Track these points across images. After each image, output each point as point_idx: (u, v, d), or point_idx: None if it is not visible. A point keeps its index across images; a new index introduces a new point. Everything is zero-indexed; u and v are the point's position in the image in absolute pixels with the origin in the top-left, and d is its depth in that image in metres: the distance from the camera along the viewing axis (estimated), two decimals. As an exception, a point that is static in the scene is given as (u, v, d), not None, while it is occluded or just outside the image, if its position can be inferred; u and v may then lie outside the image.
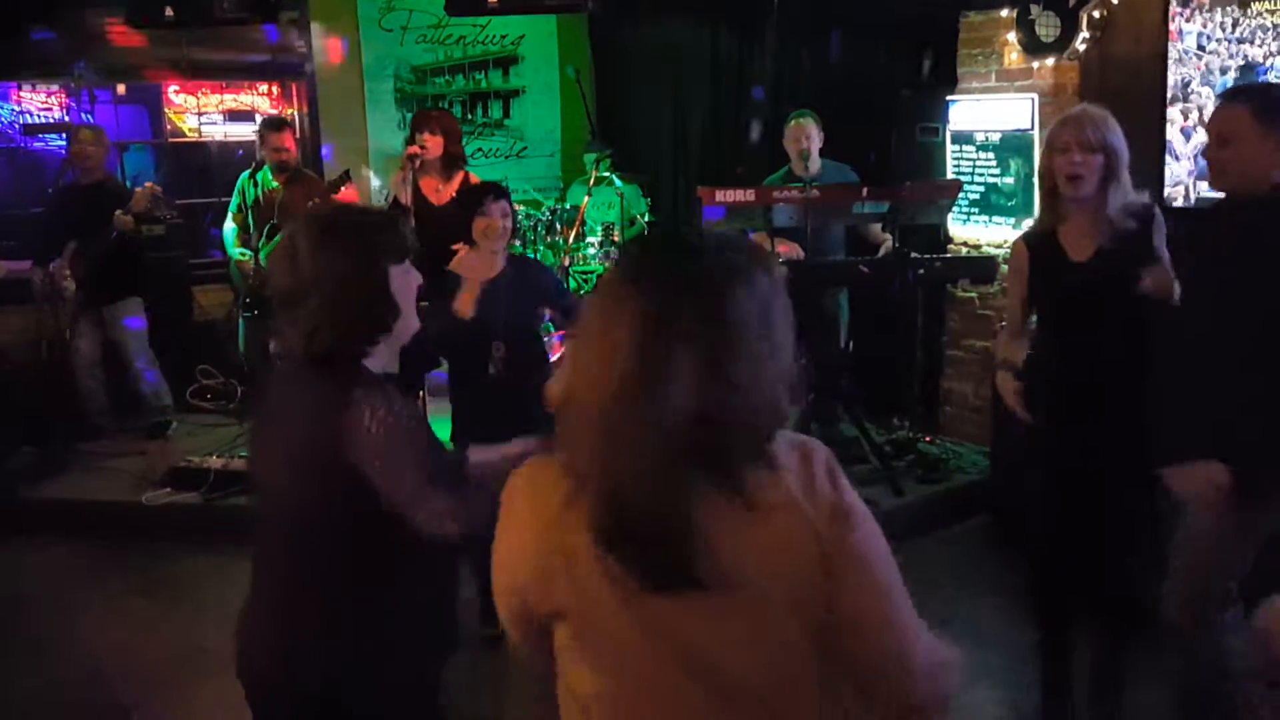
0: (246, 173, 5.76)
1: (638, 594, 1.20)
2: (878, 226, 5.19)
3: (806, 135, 5.11)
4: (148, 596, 4.33)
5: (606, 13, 6.70)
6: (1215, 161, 2.57)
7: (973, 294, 5.38)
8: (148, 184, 5.58)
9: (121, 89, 7.48)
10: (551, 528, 1.24)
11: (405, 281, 1.95)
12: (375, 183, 7.32)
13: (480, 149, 7.60)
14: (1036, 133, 5.00)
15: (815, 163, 5.18)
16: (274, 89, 7.64)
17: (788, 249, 4.98)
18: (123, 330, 5.79)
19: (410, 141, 5.15)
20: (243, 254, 5.64)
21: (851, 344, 5.39)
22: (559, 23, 7.65)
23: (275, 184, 5.66)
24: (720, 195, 4.66)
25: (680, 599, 1.20)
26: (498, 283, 3.62)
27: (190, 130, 7.56)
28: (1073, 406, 2.89)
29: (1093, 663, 3.11)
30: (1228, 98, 2.66)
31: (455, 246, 5.14)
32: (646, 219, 6.66)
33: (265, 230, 5.56)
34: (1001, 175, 5.23)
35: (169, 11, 5.64)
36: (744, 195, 4.70)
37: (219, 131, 7.57)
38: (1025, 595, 3.35)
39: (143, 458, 5.51)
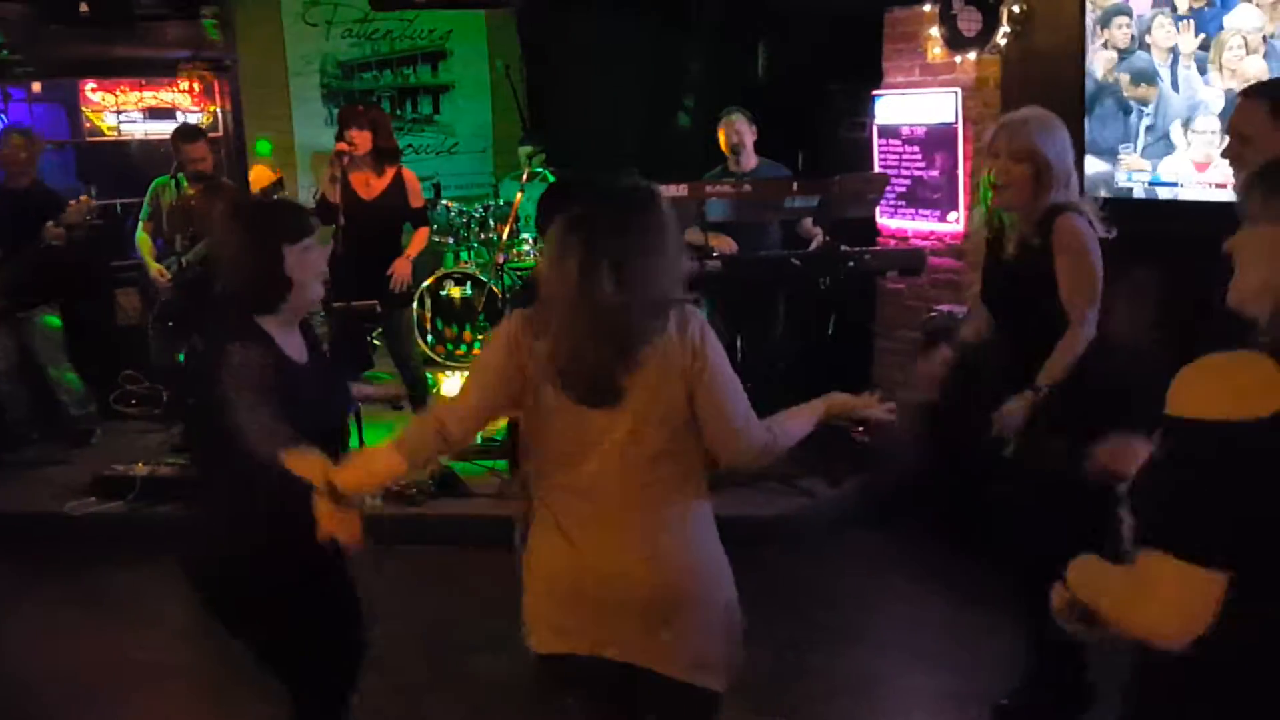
0: (161, 179, 5.59)
1: (566, 401, 2.03)
2: (809, 221, 5.25)
3: (736, 131, 5.14)
4: (73, 608, 4.21)
5: (535, 8, 6.67)
6: (1236, 159, 2.51)
7: (901, 285, 5.47)
8: (83, 197, 5.41)
9: (37, 87, 7.26)
10: (528, 349, 2.05)
11: (303, 259, 2.36)
12: (303, 180, 7.21)
13: (411, 145, 7.53)
14: (960, 126, 5.10)
15: (750, 159, 5.21)
16: (195, 86, 7.46)
17: (723, 244, 5.02)
18: (39, 336, 5.63)
19: (339, 138, 5.08)
20: (160, 270, 5.48)
21: (785, 337, 5.45)
22: (488, 18, 7.61)
23: (192, 191, 5.51)
24: (653, 190, 4.66)
25: (592, 408, 2.02)
26: None
27: (109, 129, 7.36)
28: (996, 403, 2.94)
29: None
30: (1245, 94, 2.62)
31: (391, 270, 5.02)
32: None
33: (188, 238, 5.43)
34: (927, 169, 5.32)
35: (84, 8, 5.48)
36: (677, 190, 4.72)
37: (139, 130, 7.37)
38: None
39: (65, 466, 5.37)
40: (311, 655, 2.46)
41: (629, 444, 2.03)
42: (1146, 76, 4.40)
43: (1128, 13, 4.43)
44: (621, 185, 2.13)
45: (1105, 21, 4.51)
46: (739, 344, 5.17)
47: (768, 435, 2.11)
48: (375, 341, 6.22)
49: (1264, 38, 3.91)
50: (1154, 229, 3.53)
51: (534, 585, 2.16)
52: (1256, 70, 3.96)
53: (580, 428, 2.05)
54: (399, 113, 7.67)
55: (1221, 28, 4.08)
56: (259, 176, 6.46)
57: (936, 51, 5.17)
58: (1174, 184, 4.31)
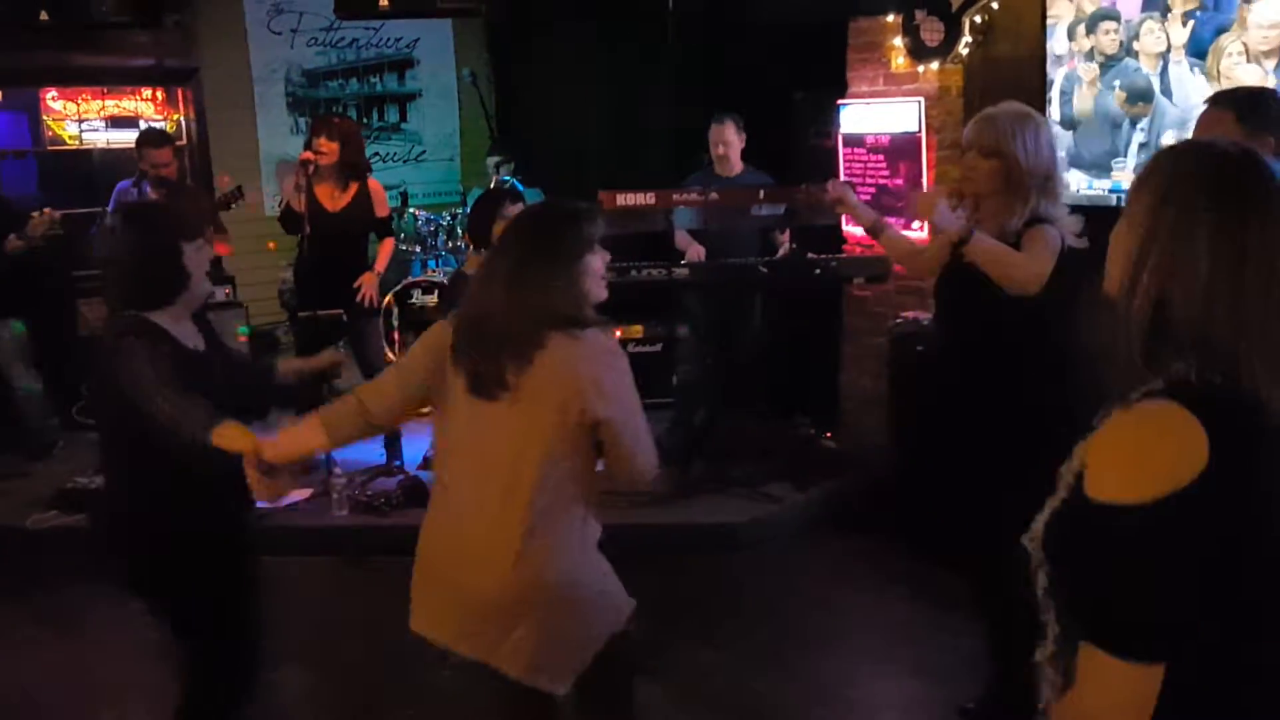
0: (125, 183, 5.54)
1: (466, 393, 2.24)
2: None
3: (725, 141, 5.21)
4: (34, 624, 4.13)
5: (503, 16, 6.67)
6: None
7: (868, 293, 5.51)
8: (46, 210, 5.33)
9: (-2, 95, 7.17)
10: (446, 347, 2.30)
11: (198, 256, 2.53)
12: (268, 189, 7.16)
13: (377, 153, 7.50)
14: (924, 135, 5.15)
15: (735, 165, 5.26)
16: (159, 94, 7.39)
17: (691, 251, 5.07)
18: (3, 348, 5.55)
19: (307, 146, 5.05)
20: None
21: (759, 344, 5.48)
22: (455, 26, 7.59)
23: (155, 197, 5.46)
24: (621, 199, 4.68)
25: (486, 402, 2.21)
26: None
27: (70, 138, 7.28)
28: (958, 410, 2.96)
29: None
30: (1213, 102, 2.64)
31: (358, 283, 5.01)
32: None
33: None
34: (892, 177, 5.37)
35: (43, 15, 5.41)
36: (644, 199, 4.74)
37: (101, 139, 7.30)
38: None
39: (26, 479, 5.28)
40: (217, 633, 2.62)
41: (515, 443, 2.19)
42: (1143, 94, 4.17)
43: (1115, 17, 4.21)
44: (547, 204, 2.41)
45: (1091, 27, 4.31)
46: (709, 351, 5.20)
47: (651, 467, 2.28)
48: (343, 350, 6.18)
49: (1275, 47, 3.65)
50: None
51: (420, 562, 2.35)
52: (1255, 78, 3.69)
53: (473, 420, 2.23)
54: (365, 121, 7.63)
55: (1218, 31, 3.83)
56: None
57: (900, 61, 5.22)
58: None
